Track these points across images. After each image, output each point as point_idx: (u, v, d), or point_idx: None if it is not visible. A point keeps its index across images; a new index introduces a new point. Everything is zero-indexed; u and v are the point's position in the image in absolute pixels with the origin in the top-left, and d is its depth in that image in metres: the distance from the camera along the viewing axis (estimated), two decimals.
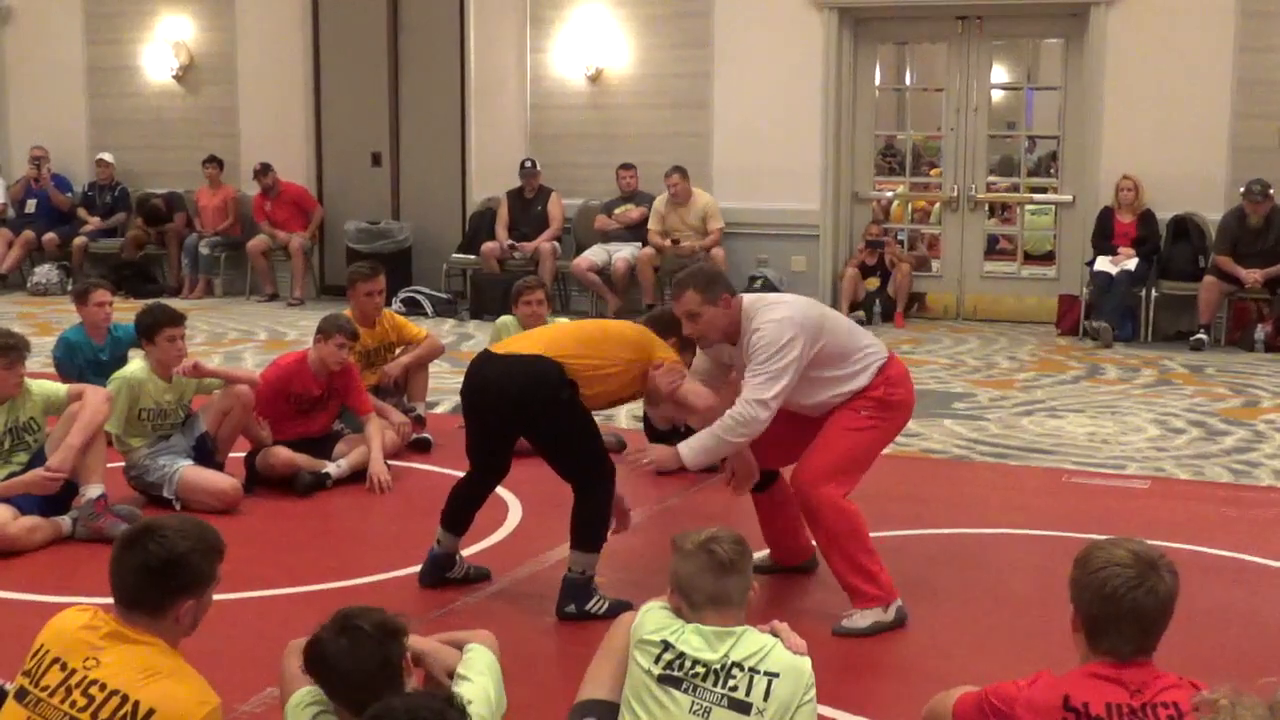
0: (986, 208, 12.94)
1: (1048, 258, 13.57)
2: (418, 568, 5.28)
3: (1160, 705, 2.93)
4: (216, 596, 3.17)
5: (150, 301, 7.17)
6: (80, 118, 14.71)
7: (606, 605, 4.84)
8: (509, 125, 13.15)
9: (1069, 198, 12.10)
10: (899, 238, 13.18)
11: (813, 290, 11.80)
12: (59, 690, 2.96)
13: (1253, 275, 10.82)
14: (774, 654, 3.27)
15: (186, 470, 6.30)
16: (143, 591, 3.03)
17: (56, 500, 5.85)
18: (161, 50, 14.31)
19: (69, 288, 12.94)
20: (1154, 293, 11.30)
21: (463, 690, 3.13)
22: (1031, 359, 10.51)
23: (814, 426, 4.96)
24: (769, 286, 11.70)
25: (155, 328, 6.39)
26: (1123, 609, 2.95)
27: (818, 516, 4.89)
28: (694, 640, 3.28)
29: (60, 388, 6.13)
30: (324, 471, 6.69)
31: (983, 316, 12.50)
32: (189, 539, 3.07)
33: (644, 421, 6.91)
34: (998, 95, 13.67)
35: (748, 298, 4.97)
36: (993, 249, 13.75)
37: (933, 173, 14.40)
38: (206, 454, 6.48)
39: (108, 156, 14.32)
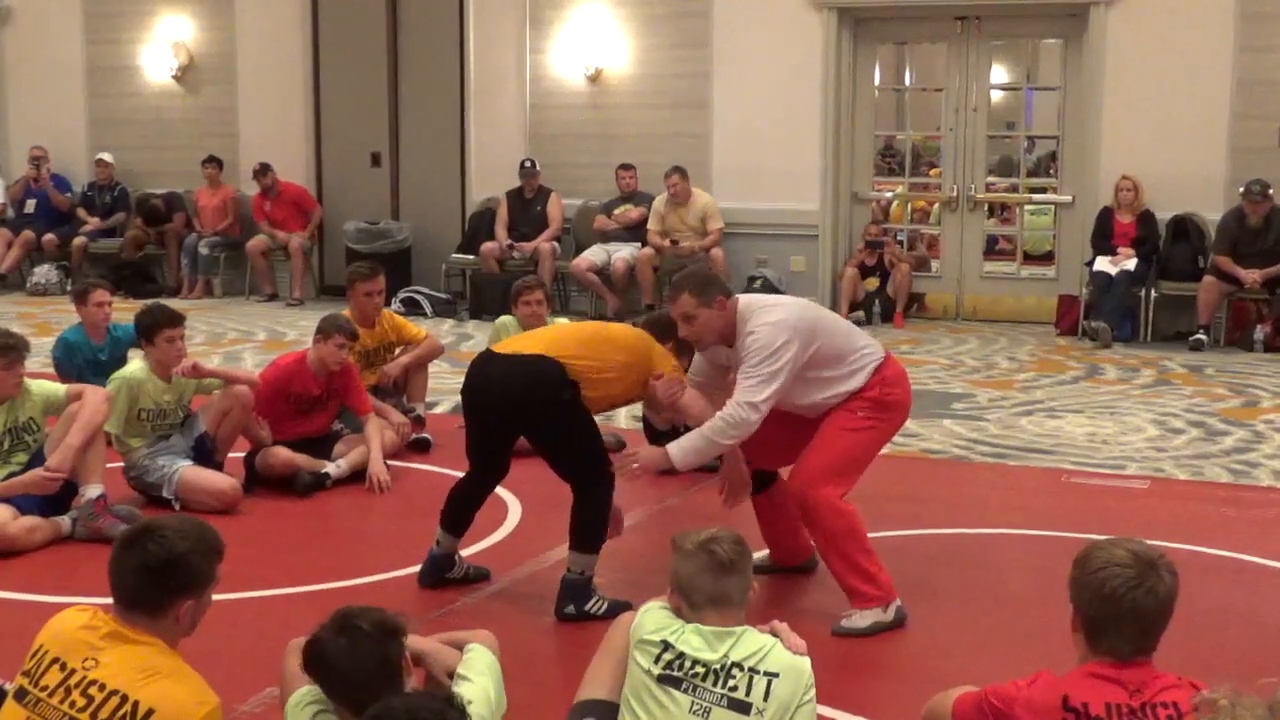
0: (986, 208, 12.94)
1: (1047, 258, 13.56)
2: (417, 568, 5.28)
3: (1160, 705, 2.93)
4: (216, 596, 3.17)
5: (149, 302, 7.17)
6: (80, 118, 14.71)
7: (606, 605, 4.84)
8: (508, 125, 13.15)
9: (1068, 198, 12.10)
10: (898, 238, 13.18)
11: (812, 290, 11.81)
12: (58, 690, 2.96)
13: (1252, 275, 10.82)
14: (774, 654, 3.27)
15: (186, 470, 6.30)
16: (142, 592, 3.03)
17: (56, 500, 5.85)
18: (161, 50, 14.31)
19: (68, 288, 12.93)
20: (1153, 293, 11.30)
21: (463, 690, 3.13)
22: (1031, 359, 10.51)
23: (811, 427, 4.96)
24: (768, 287, 11.71)
25: (154, 328, 6.39)
26: (1122, 609, 2.95)
27: (815, 517, 4.89)
28: (694, 640, 3.28)
29: (59, 388, 6.13)
30: (323, 471, 6.69)
31: (982, 317, 12.50)
32: (188, 539, 3.07)
33: (643, 422, 6.92)
34: (997, 95, 13.68)
35: (743, 299, 4.98)
36: (992, 249, 13.75)
37: (932, 173, 14.40)
38: (206, 454, 6.48)
39: (107, 156, 14.31)
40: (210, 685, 3.01)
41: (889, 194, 13.97)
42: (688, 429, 5.08)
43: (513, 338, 5.54)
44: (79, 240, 14.09)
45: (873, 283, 12.25)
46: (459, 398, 5.56)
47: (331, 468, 6.74)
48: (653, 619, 3.36)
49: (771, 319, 4.80)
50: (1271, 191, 10.88)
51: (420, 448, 7.42)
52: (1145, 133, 11.40)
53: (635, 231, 12.39)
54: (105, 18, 14.52)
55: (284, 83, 13.85)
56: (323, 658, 3.04)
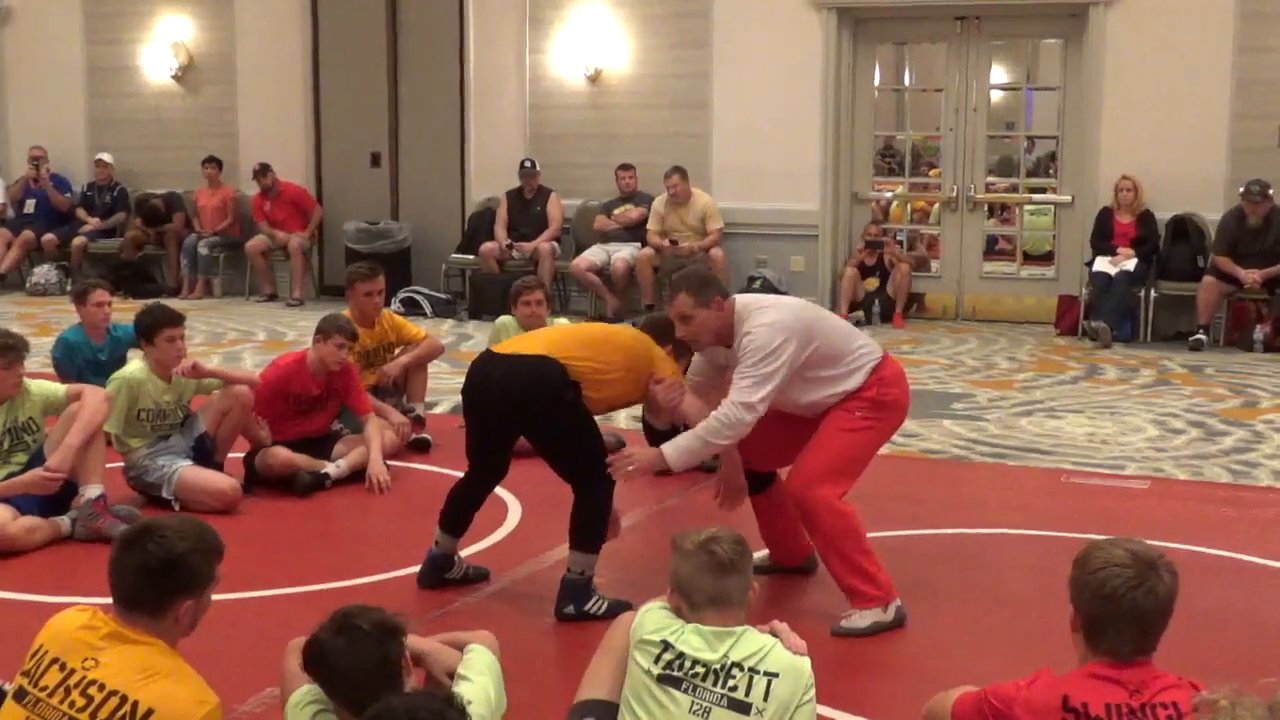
0: (985, 208, 12.94)
1: (1047, 258, 13.57)
2: (417, 568, 5.28)
3: (1159, 705, 2.93)
4: (215, 596, 3.17)
5: (149, 302, 7.17)
6: (79, 118, 14.71)
7: (605, 606, 4.84)
8: (508, 125, 13.15)
9: (1068, 198, 12.10)
10: (898, 238, 13.18)
11: (812, 290, 11.82)
12: (58, 690, 2.96)
13: (1251, 275, 10.82)
14: (773, 654, 3.27)
15: (185, 470, 6.29)
16: (142, 592, 3.03)
17: (56, 500, 5.85)
18: (160, 50, 14.31)
19: (68, 288, 12.93)
20: (1153, 293, 11.30)
21: (463, 690, 3.13)
22: (1030, 359, 10.51)
23: (809, 428, 4.96)
24: (768, 287, 11.71)
25: (154, 328, 6.39)
26: (1122, 609, 2.95)
27: (814, 518, 4.89)
28: (694, 640, 3.28)
29: (59, 388, 6.13)
30: (323, 472, 6.69)
31: (982, 317, 12.50)
32: (188, 539, 3.07)
33: (643, 423, 6.91)
34: (997, 95, 13.68)
35: (740, 299, 4.98)
36: (992, 249, 13.76)
37: (932, 173, 14.40)
38: (206, 454, 6.48)
39: (107, 157, 14.32)
40: (210, 685, 3.01)
41: (889, 194, 13.97)
42: (687, 429, 5.08)
43: (514, 338, 5.54)
44: (78, 240, 14.10)
45: (872, 283, 12.25)
46: (459, 398, 5.56)
47: (331, 468, 6.74)
48: (653, 619, 3.36)
49: (768, 320, 4.80)
50: (1271, 191, 10.89)
51: (420, 448, 7.42)
52: (1145, 133, 11.40)
53: (635, 232, 12.39)
54: (105, 18, 14.52)
55: (283, 83, 13.85)
56: (322, 657, 3.04)
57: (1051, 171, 13.61)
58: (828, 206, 12.33)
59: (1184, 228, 11.36)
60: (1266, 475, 7.12)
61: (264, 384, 6.71)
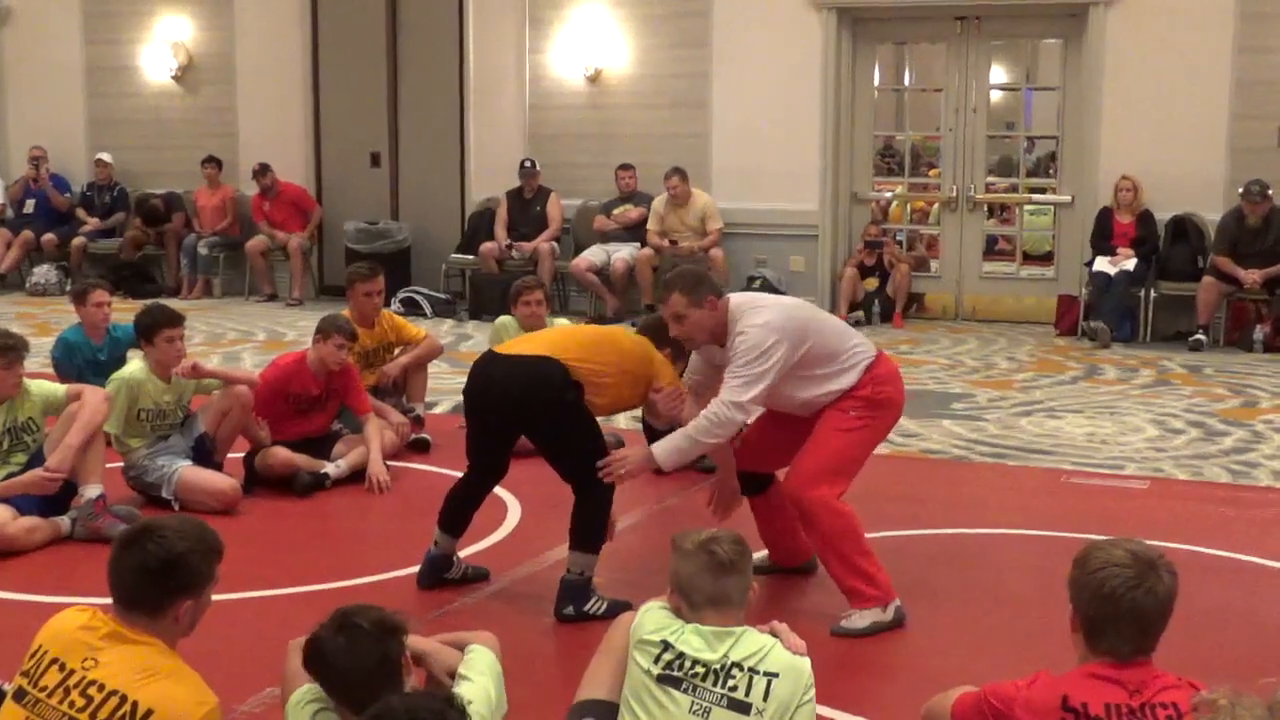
0: (985, 208, 12.94)
1: (1046, 258, 13.56)
2: (417, 568, 5.28)
3: (1159, 705, 2.93)
4: (215, 596, 3.17)
5: (149, 302, 7.17)
6: (79, 118, 14.71)
7: (605, 606, 4.84)
8: (508, 125, 13.15)
9: (1068, 198, 12.10)
10: (898, 238, 13.18)
11: (811, 291, 11.82)
12: (57, 690, 2.96)
13: (1251, 276, 10.82)
14: (773, 654, 3.27)
15: (185, 470, 6.29)
16: (141, 592, 3.03)
17: (55, 500, 5.84)
18: (160, 50, 14.30)
19: (67, 288, 12.93)
20: (1153, 293, 11.30)
21: (463, 690, 3.13)
22: (1030, 359, 10.51)
23: (805, 429, 4.96)
24: (768, 287, 11.70)
25: (154, 328, 6.39)
26: (1121, 609, 2.95)
27: (812, 519, 4.90)
28: (694, 640, 3.28)
29: (59, 388, 6.13)
30: (323, 472, 6.69)
31: (981, 317, 12.50)
32: (188, 539, 3.07)
33: (642, 423, 6.91)
34: (996, 95, 13.69)
35: (734, 299, 4.98)
36: (991, 249, 13.76)
37: (931, 173, 14.39)
38: (205, 454, 6.48)
39: (106, 157, 14.31)
40: (209, 685, 3.01)
41: (888, 194, 13.97)
42: None
43: (516, 339, 5.55)
44: (78, 240, 14.09)
45: (872, 283, 12.25)
46: (459, 398, 5.56)
47: (331, 468, 6.74)
48: (653, 619, 3.36)
49: (761, 320, 4.80)
50: (1271, 192, 10.88)
51: (419, 448, 7.42)
52: (1145, 133, 11.40)
53: (635, 232, 12.39)
54: (104, 18, 14.52)
55: (283, 83, 13.85)
56: (322, 656, 3.04)
57: (1051, 171, 13.61)
58: (827, 206, 12.33)
59: (1184, 228, 11.36)
60: (1266, 475, 7.12)
61: (264, 384, 6.71)
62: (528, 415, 4.95)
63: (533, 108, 13.05)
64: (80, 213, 14.39)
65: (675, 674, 3.25)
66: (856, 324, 11.32)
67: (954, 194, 12.43)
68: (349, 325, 6.90)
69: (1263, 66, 11.12)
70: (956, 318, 12.49)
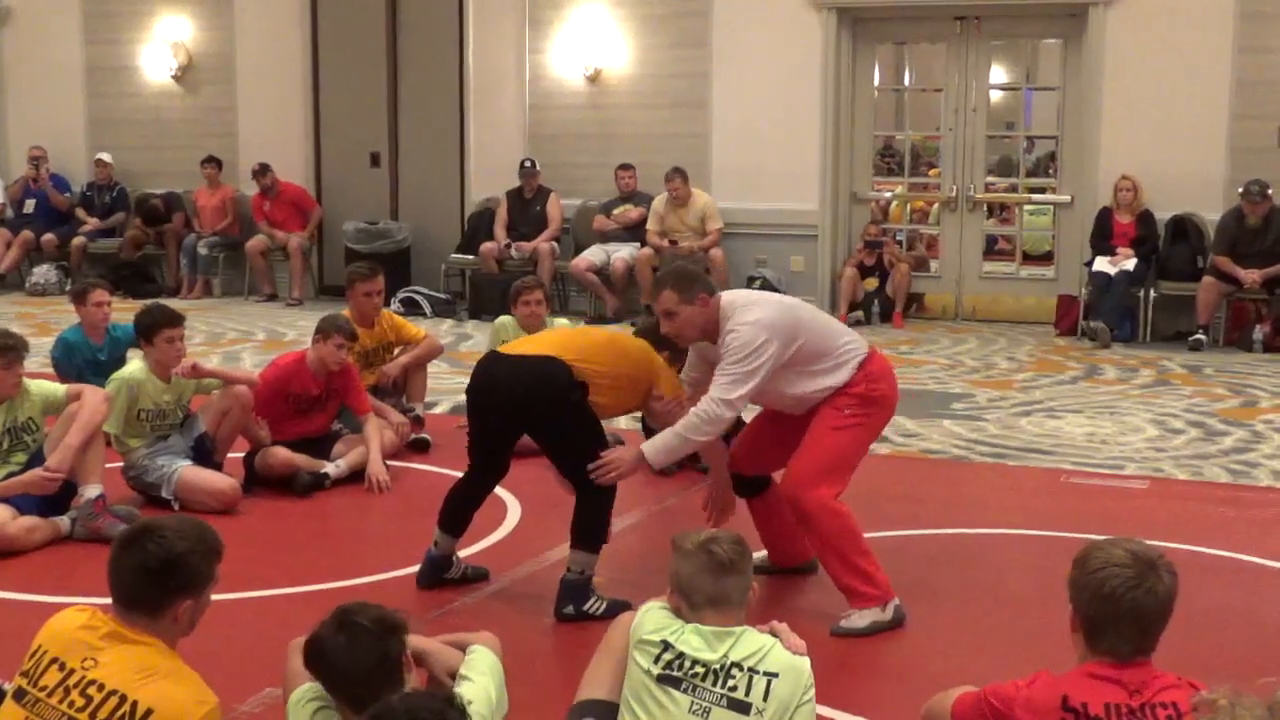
0: (985, 208, 12.94)
1: (1046, 258, 13.56)
2: (416, 568, 5.28)
3: (1159, 705, 2.93)
4: (215, 596, 3.17)
5: (149, 302, 7.17)
6: (79, 118, 14.71)
7: (604, 605, 4.84)
8: (508, 125, 13.15)
9: (1067, 198, 12.10)
10: (897, 238, 13.18)
11: (811, 290, 11.82)
12: (57, 690, 2.96)
13: (1251, 275, 10.82)
14: (773, 654, 3.27)
15: (185, 470, 6.29)
16: (141, 591, 3.03)
17: (55, 500, 5.84)
18: (160, 50, 14.31)
19: (67, 288, 12.92)
20: (1152, 293, 11.30)
21: (464, 690, 3.13)
22: (1030, 359, 10.51)
23: (800, 429, 4.96)
24: (768, 286, 11.69)
25: (154, 328, 6.39)
26: (1121, 609, 2.95)
27: (810, 520, 4.89)
28: (693, 640, 3.28)
29: (59, 388, 6.13)
30: (322, 472, 6.69)
31: (981, 317, 12.50)
32: (187, 539, 3.07)
33: (642, 423, 6.91)
34: (996, 95, 13.69)
35: (726, 296, 4.98)
36: (991, 249, 13.75)
37: (931, 173, 14.40)
38: (205, 454, 6.48)
39: (106, 156, 14.31)
40: (209, 685, 3.01)
41: (888, 194, 13.97)
42: None
43: (520, 340, 5.56)
44: (78, 240, 14.10)
45: (872, 283, 12.25)
46: (459, 398, 5.57)
47: (330, 468, 6.74)
48: (652, 619, 3.36)
49: (752, 317, 4.80)
50: (1270, 191, 10.89)
51: (419, 448, 7.42)
52: (1145, 133, 11.40)
53: (634, 232, 12.39)
54: (104, 18, 14.52)
55: (283, 83, 13.85)
56: (322, 654, 3.04)
57: (1051, 171, 13.61)
58: (827, 206, 12.33)
59: (1183, 228, 11.36)
60: (1266, 475, 7.12)
61: (264, 384, 6.71)
62: (532, 415, 4.95)
63: (533, 108, 13.05)
64: (80, 213, 14.39)
65: (675, 674, 3.25)
66: (856, 324, 11.33)
67: (954, 194, 12.43)
68: (349, 325, 6.90)
69: (1263, 66, 11.12)
70: (956, 318, 12.49)
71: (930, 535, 6.01)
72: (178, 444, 6.43)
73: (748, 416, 5.42)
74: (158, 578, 3.02)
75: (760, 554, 5.20)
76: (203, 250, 13.79)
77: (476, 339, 10.93)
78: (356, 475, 6.71)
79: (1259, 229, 10.92)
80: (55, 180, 14.47)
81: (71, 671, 2.97)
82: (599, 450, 4.92)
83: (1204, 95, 11.23)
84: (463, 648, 3.41)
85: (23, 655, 3.09)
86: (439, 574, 5.22)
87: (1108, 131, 11.53)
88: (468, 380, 5.17)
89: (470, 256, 12.87)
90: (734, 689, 3.22)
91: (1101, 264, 11.23)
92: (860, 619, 4.82)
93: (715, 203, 12.22)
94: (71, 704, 2.93)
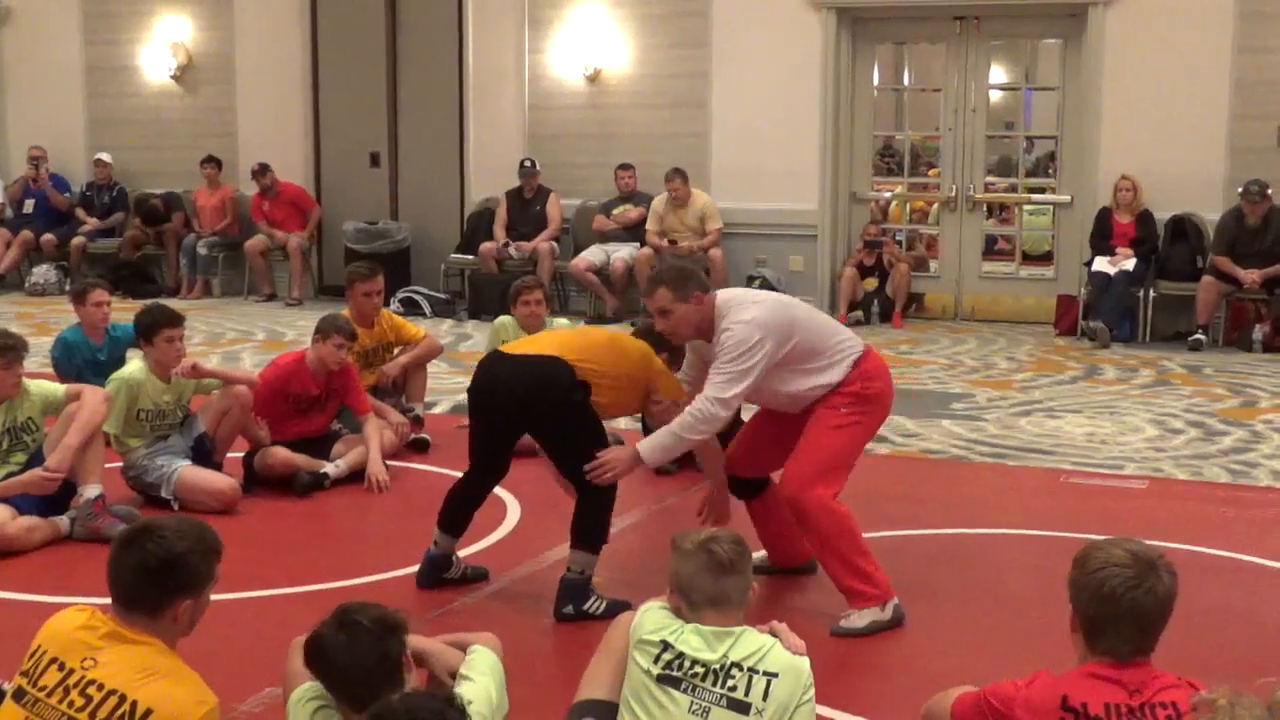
0: (985, 208, 12.94)
1: (1046, 258, 13.56)
2: (416, 568, 5.28)
3: (1159, 705, 2.93)
4: (214, 596, 3.17)
5: (149, 302, 7.17)
6: (78, 118, 14.71)
7: (604, 605, 4.84)
8: (507, 125, 13.15)
9: (1067, 198, 12.10)
10: (897, 238, 13.18)
11: (811, 290, 11.82)
12: (57, 690, 2.96)
13: (1251, 275, 10.82)
14: (773, 654, 3.27)
15: (185, 470, 6.29)
16: (140, 591, 3.03)
17: (54, 500, 5.84)
18: (160, 50, 14.30)
19: (67, 288, 12.92)
20: (1152, 293, 11.30)
21: (464, 690, 3.13)
22: (1029, 359, 10.51)
23: (796, 429, 4.95)
24: (767, 286, 11.69)
25: (154, 328, 6.39)
26: (1121, 609, 2.95)
27: (809, 520, 4.89)
28: (693, 640, 3.28)
29: (58, 388, 6.13)
30: (322, 472, 6.69)
31: (981, 317, 12.50)
32: (187, 539, 3.07)
33: (642, 423, 6.91)
34: (996, 95, 13.69)
35: (721, 295, 4.99)
36: (991, 249, 13.76)
37: (931, 173, 14.40)
38: (205, 454, 6.48)
39: (106, 156, 14.31)
40: (209, 685, 3.01)
41: (888, 194, 13.98)
42: None
43: (522, 339, 5.56)
44: (77, 240, 14.10)
45: (871, 283, 12.25)
46: (459, 398, 5.57)
47: (330, 468, 6.74)
48: (652, 619, 3.35)
49: (746, 316, 4.81)
50: (1270, 191, 10.89)
51: (419, 448, 7.42)
52: (1144, 133, 11.40)
53: (634, 232, 12.39)
54: (104, 18, 14.52)
55: (283, 82, 13.85)
56: (323, 653, 3.04)
57: (1050, 171, 13.61)
58: (827, 206, 12.33)
59: (1183, 228, 11.36)
60: (1266, 475, 7.12)
61: (263, 384, 6.71)
62: (534, 415, 4.95)
63: (532, 108, 13.05)
64: (80, 212, 14.39)
65: (675, 674, 3.25)
66: (856, 324, 11.33)
67: (953, 194, 12.43)
68: (348, 325, 6.90)
69: (1262, 66, 11.12)
70: (956, 318, 12.49)
71: (930, 535, 6.01)
72: (177, 444, 6.43)
73: (746, 416, 5.43)
74: (157, 577, 3.02)
75: (760, 554, 5.20)
76: (202, 250, 13.79)
77: (476, 339, 10.93)
78: (356, 475, 6.71)
79: (1258, 229, 10.92)
80: (55, 180, 14.47)
81: (71, 671, 2.97)
82: (601, 449, 4.92)
83: (1204, 95, 11.23)
84: (463, 648, 3.41)
85: (22, 655, 3.09)
86: (439, 574, 5.22)
87: (1107, 131, 11.53)
88: (467, 380, 5.17)
89: (470, 256, 12.87)
90: (734, 689, 3.22)
91: (1101, 264, 11.23)
92: (860, 619, 4.82)
93: (715, 203, 12.22)
94: (71, 704, 2.93)
